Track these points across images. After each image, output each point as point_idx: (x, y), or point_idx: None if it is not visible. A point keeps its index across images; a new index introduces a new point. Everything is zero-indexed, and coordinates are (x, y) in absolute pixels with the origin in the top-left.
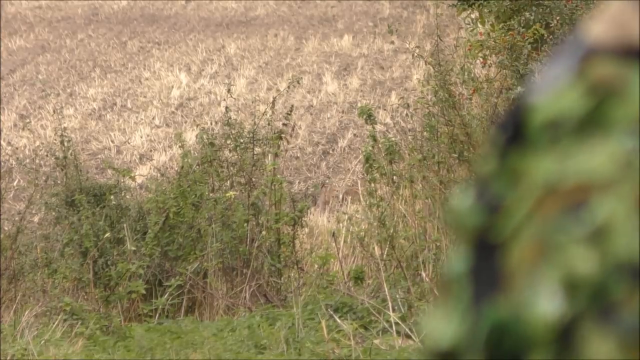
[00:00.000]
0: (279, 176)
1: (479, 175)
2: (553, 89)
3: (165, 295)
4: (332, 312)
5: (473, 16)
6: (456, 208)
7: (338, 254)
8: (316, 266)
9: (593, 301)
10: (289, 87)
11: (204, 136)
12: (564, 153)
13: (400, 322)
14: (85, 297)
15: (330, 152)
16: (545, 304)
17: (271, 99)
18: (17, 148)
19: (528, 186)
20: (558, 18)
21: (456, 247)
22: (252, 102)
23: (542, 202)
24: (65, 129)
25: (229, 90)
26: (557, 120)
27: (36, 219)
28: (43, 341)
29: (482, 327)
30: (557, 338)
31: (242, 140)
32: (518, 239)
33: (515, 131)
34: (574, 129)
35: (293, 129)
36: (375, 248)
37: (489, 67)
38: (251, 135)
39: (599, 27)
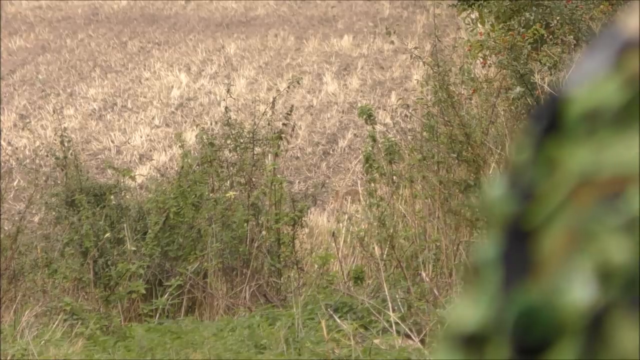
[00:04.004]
0: (279, 176)
1: (512, 164)
2: (590, 81)
3: (166, 295)
4: (332, 312)
5: (473, 16)
6: (489, 195)
7: (338, 254)
8: (316, 266)
9: (625, 290)
10: (289, 87)
11: (204, 136)
12: (601, 144)
13: (400, 322)
14: (86, 297)
15: (331, 152)
16: (578, 291)
17: (271, 99)
18: (17, 148)
19: (563, 175)
20: (558, 18)
21: (487, 233)
22: (252, 102)
23: (578, 191)
24: (65, 129)
25: (228, 91)
26: (594, 112)
27: (36, 219)
28: (43, 341)
29: (511, 312)
30: (588, 326)
31: (242, 141)
32: (551, 226)
33: (552, 121)
34: (611, 121)
35: (293, 129)
36: (375, 248)
37: (489, 67)
38: (251, 135)
39: (635, 21)
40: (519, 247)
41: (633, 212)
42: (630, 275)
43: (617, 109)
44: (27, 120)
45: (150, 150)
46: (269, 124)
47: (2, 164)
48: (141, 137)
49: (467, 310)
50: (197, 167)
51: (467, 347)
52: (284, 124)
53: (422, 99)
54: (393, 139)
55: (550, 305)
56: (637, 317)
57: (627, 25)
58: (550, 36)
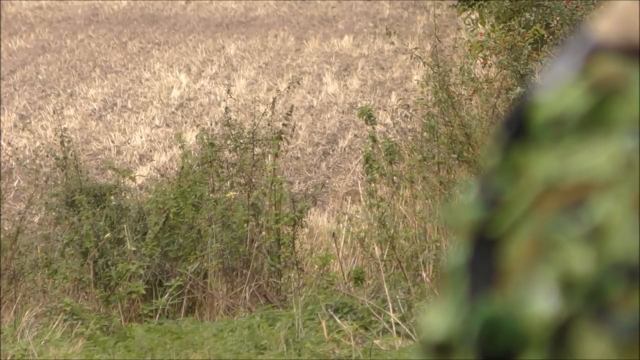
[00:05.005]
0: (279, 176)
1: (483, 171)
2: (557, 86)
3: (166, 296)
4: (332, 313)
5: (473, 17)
6: (459, 203)
7: (338, 254)
8: (316, 267)
9: (589, 301)
10: (289, 87)
11: (204, 136)
12: (566, 151)
13: (400, 323)
14: (86, 297)
15: (331, 152)
16: (540, 302)
17: (271, 100)
18: (17, 148)
19: (528, 183)
20: (558, 18)
21: (457, 241)
22: (252, 103)
23: (542, 199)
24: (65, 129)
25: (228, 91)
26: (560, 118)
27: (36, 219)
28: (43, 341)
29: (475, 322)
30: (552, 337)
31: (242, 141)
32: (515, 235)
33: (519, 127)
34: (576, 127)
35: (293, 130)
36: (376, 248)
37: (489, 67)
38: (251, 135)
39: (605, 25)
40: (485, 255)
41: (595, 221)
42: (593, 286)
43: (582, 115)
44: (27, 121)
45: (151, 151)
46: (269, 125)
47: (2, 164)
48: (141, 137)
49: (436, 318)
50: (197, 167)
51: (436, 355)
52: (284, 125)
53: (422, 99)
54: (393, 139)
55: (514, 316)
56: (601, 328)
57: (597, 29)
58: (551, 36)
